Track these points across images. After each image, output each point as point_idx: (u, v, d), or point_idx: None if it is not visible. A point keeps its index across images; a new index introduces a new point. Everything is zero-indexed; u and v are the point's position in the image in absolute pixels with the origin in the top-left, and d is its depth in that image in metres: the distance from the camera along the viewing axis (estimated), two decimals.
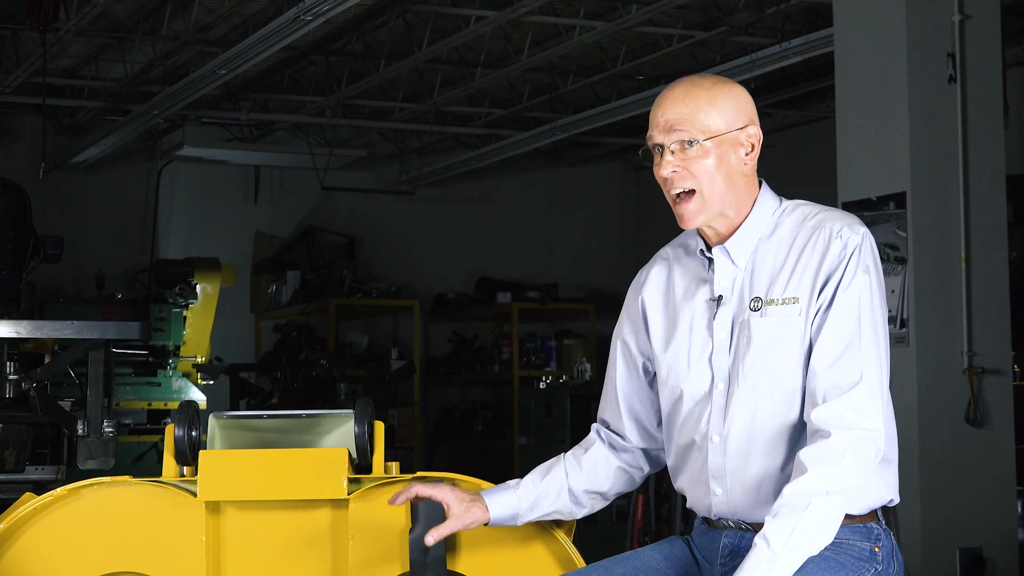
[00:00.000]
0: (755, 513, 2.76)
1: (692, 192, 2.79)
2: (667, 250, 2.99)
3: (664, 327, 2.92)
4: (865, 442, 2.64)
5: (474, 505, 2.93)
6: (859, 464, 2.63)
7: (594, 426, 3.08)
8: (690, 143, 2.77)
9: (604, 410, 3.07)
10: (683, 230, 2.94)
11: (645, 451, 3.04)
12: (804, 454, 2.64)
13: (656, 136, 2.81)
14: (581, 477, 3.00)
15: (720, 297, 2.83)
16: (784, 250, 2.79)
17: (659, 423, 2.99)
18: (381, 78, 10.19)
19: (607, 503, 3.05)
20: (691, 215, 2.80)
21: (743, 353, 2.77)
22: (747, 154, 2.81)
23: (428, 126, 11.59)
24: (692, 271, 2.91)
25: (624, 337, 3.00)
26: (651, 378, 2.99)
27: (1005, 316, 6.73)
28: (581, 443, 3.06)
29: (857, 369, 2.67)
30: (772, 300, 2.76)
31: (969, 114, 6.67)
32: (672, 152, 2.79)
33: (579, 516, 3.04)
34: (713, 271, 2.85)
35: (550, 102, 11.07)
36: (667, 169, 2.79)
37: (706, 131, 2.77)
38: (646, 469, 3.06)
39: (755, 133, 2.82)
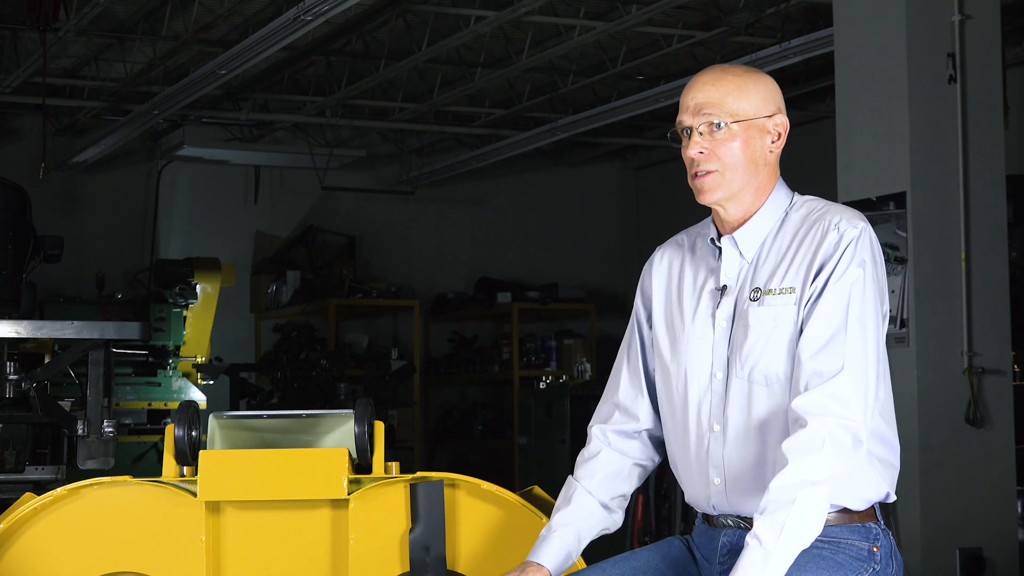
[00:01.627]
0: (751, 504, 2.76)
1: (715, 171, 2.82)
2: (683, 236, 3.02)
3: (666, 313, 2.93)
4: (842, 430, 2.64)
5: (527, 568, 2.86)
6: (837, 452, 2.62)
7: (592, 431, 3.03)
8: (718, 125, 2.81)
9: (615, 392, 3.02)
10: (694, 223, 2.98)
11: (653, 435, 3.01)
12: (786, 445, 2.64)
13: (686, 119, 2.84)
14: (604, 487, 2.97)
15: (724, 287, 2.85)
16: (787, 243, 2.82)
17: None
18: (381, 78, 10.19)
19: (628, 501, 3.03)
20: (709, 189, 2.83)
21: (740, 342, 2.79)
22: (773, 142, 2.86)
23: (428, 126, 11.58)
24: (702, 260, 2.93)
25: (639, 312, 3.02)
26: None
27: (1005, 316, 6.73)
28: (583, 455, 3.01)
29: (840, 359, 2.68)
30: (770, 290, 2.79)
31: (969, 114, 6.67)
32: (700, 134, 2.82)
33: (619, 523, 2.99)
34: (721, 260, 2.87)
35: (550, 102, 11.07)
36: (694, 149, 2.82)
37: (734, 114, 2.81)
38: (656, 458, 3.03)
39: (782, 122, 2.87)
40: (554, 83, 10.68)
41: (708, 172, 2.82)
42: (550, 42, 9.51)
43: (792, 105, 10.82)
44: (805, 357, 2.70)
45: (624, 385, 3.03)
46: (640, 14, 8.66)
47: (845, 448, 2.64)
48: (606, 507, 2.96)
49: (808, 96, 10.79)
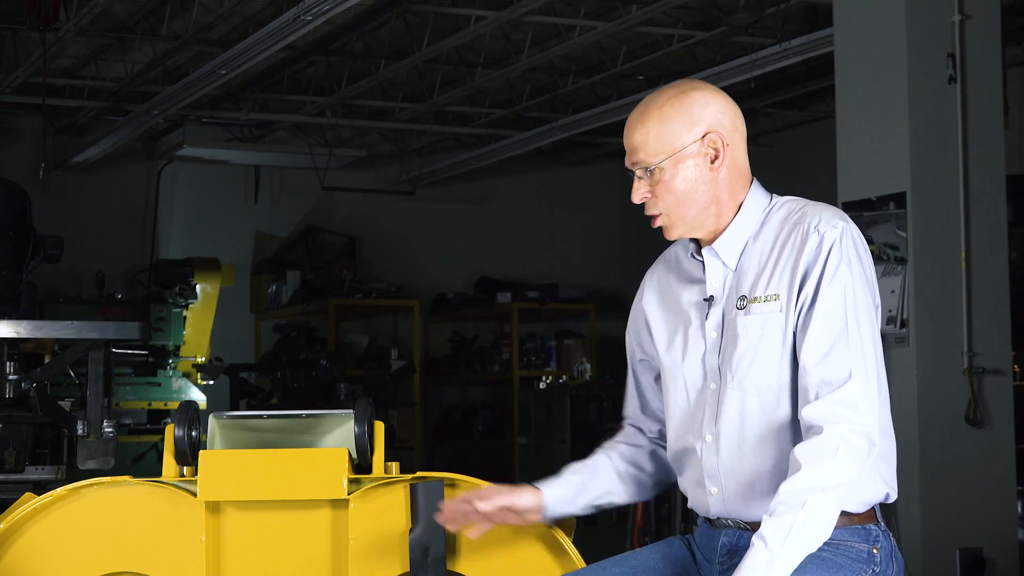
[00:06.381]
0: (751, 511, 2.76)
1: (662, 214, 2.84)
2: (671, 250, 3.01)
3: (664, 329, 2.94)
4: (857, 436, 2.63)
5: (523, 488, 2.92)
6: (852, 458, 2.62)
7: (624, 421, 3.10)
8: (648, 170, 2.80)
9: (627, 407, 3.09)
10: None
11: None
12: (798, 450, 2.64)
13: (626, 161, 2.86)
14: (623, 457, 3.01)
15: (711, 297, 2.85)
16: (768, 247, 2.79)
17: None
18: (381, 78, 10.19)
19: (649, 492, 3.05)
20: (666, 229, 2.87)
21: (730, 352, 2.78)
22: (713, 161, 2.79)
23: (428, 126, 11.59)
24: (688, 273, 2.93)
25: (631, 336, 3.04)
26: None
27: (1005, 316, 6.73)
28: (614, 437, 3.09)
29: (846, 364, 2.67)
30: (755, 298, 2.77)
31: (969, 114, 6.67)
32: (639, 178, 2.83)
33: (627, 499, 3.02)
34: (705, 272, 2.87)
35: (550, 102, 11.07)
36: (636, 196, 2.85)
37: (660, 153, 2.78)
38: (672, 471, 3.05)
39: (716, 138, 2.78)
40: (554, 83, 10.68)
41: (656, 215, 2.83)
42: (550, 42, 9.51)
43: (792, 105, 10.81)
44: (810, 365, 2.68)
45: (631, 408, 3.09)
46: (640, 14, 8.66)
47: (860, 453, 2.63)
48: (619, 473, 3.00)
49: (808, 96, 10.78)
